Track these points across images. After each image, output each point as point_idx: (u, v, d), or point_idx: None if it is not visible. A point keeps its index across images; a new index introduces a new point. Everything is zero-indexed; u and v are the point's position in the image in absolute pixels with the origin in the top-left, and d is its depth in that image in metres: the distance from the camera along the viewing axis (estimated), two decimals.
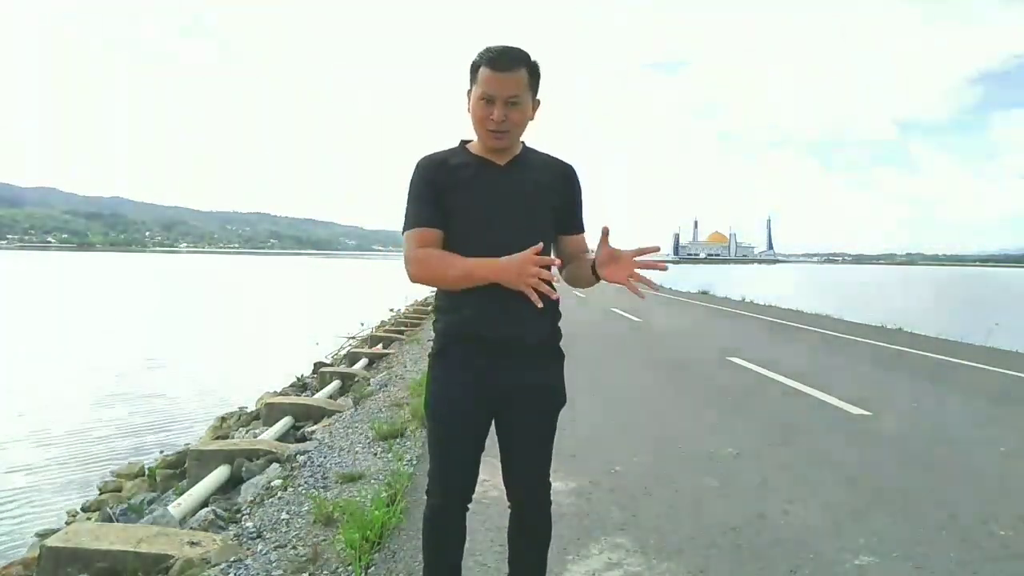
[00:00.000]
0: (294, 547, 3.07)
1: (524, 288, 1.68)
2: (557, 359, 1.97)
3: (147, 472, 6.85)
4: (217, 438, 7.60)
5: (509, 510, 2.07)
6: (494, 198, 1.82)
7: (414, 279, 1.83)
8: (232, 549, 3.06)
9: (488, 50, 1.78)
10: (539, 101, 1.87)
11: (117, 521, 3.99)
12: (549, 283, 1.68)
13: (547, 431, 1.98)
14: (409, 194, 1.87)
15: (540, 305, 1.67)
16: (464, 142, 1.94)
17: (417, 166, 1.89)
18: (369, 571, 2.76)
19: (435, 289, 1.95)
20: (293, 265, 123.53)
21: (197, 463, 4.96)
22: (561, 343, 1.98)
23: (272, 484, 4.22)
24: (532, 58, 1.82)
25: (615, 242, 1.83)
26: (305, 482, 4.11)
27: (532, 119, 1.87)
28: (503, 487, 2.05)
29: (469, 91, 1.84)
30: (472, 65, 1.82)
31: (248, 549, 3.10)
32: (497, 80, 1.76)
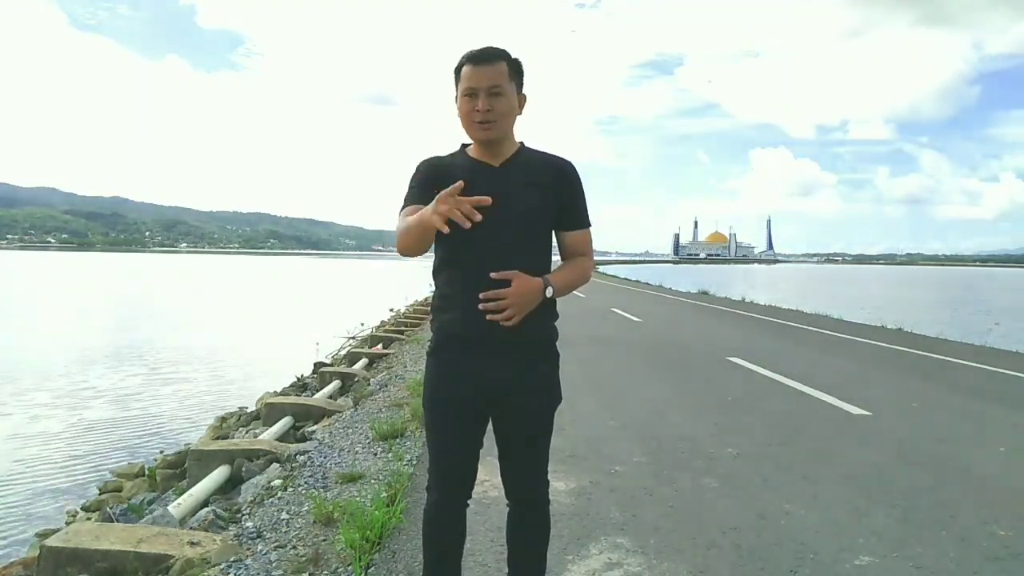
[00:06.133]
0: (294, 547, 3.07)
1: (436, 221, 1.65)
2: (550, 358, 1.97)
3: (147, 472, 6.86)
4: (217, 438, 7.60)
5: (508, 509, 2.08)
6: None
7: (398, 250, 1.86)
8: (232, 549, 3.06)
9: (468, 51, 1.85)
10: (525, 96, 1.92)
11: (117, 521, 3.98)
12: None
13: (543, 430, 1.99)
14: (407, 189, 1.94)
15: (446, 230, 1.65)
16: (464, 146, 1.97)
17: (416, 167, 1.95)
18: (369, 571, 2.76)
19: (435, 289, 1.97)
20: (293, 265, 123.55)
21: (197, 463, 4.95)
22: (559, 342, 1.99)
23: (272, 484, 4.21)
24: (512, 55, 1.88)
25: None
26: (305, 482, 4.10)
27: (520, 114, 1.91)
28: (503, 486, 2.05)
29: (456, 96, 1.89)
30: (455, 70, 1.88)
31: (248, 549, 3.10)
32: (477, 72, 1.82)
